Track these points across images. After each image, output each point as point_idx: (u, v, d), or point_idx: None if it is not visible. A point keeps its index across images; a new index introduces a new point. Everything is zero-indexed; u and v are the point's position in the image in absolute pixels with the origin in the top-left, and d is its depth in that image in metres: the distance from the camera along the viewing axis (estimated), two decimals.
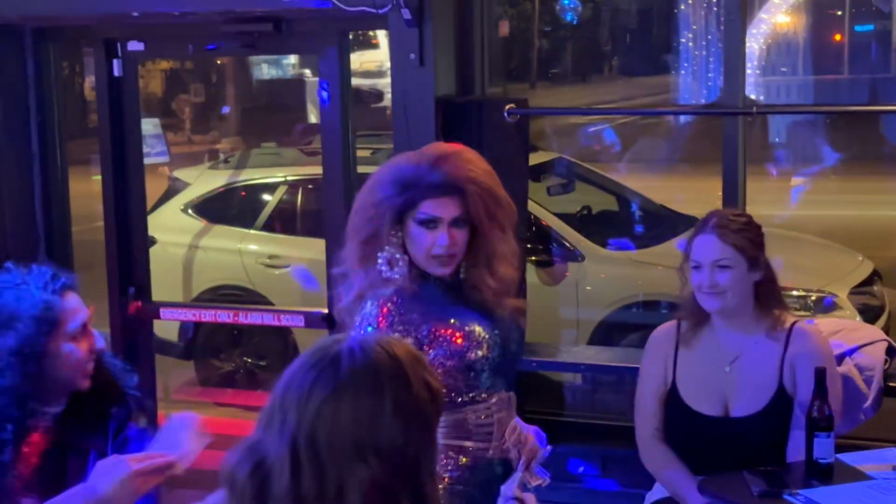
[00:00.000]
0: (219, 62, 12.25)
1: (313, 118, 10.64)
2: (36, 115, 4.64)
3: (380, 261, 2.60)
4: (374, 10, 4.00)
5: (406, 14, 3.93)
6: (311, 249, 6.91)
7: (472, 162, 2.64)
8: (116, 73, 4.54)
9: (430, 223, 2.57)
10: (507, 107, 4.11)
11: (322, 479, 1.39)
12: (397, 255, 2.60)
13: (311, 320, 4.57)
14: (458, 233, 2.59)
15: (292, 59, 13.19)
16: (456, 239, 2.58)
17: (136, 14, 4.32)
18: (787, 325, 3.19)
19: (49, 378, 2.37)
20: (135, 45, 4.51)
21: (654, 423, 3.23)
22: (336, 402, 1.41)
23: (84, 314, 2.46)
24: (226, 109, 12.01)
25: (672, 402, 3.21)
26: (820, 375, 2.93)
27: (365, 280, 2.60)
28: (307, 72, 12.58)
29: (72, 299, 2.47)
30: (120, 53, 4.53)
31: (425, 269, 2.60)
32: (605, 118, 12.27)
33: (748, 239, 3.17)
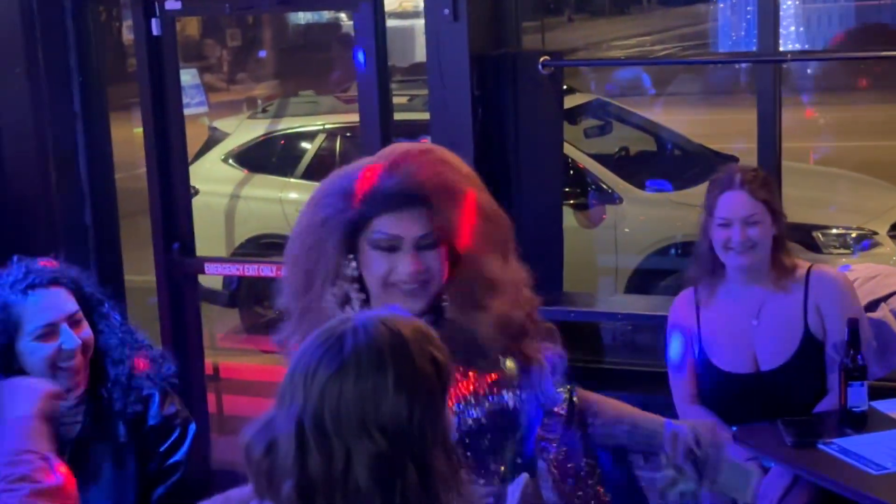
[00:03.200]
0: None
1: (352, 65, 10.67)
2: (77, 69, 4.70)
3: (328, 298, 2.01)
4: None
5: None
6: None
7: (443, 163, 2.04)
8: (155, 31, 4.58)
9: (388, 245, 1.99)
10: (542, 59, 4.12)
11: (328, 456, 1.44)
12: (351, 293, 2.02)
13: None
14: (427, 256, 2.00)
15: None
16: (425, 264, 1.99)
17: None
18: (804, 270, 3.23)
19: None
20: (172, 4, 4.54)
21: (689, 389, 3.28)
22: (340, 380, 1.45)
23: (57, 313, 2.46)
24: (262, 53, 12.03)
25: (703, 365, 3.26)
26: (853, 325, 2.98)
27: (307, 323, 1.97)
28: (343, 16, 12.55)
29: (43, 296, 2.47)
30: (157, 13, 4.57)
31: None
32: (642, 55, 12.19)
33: (772, 191, 3.21)
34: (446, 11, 4.02)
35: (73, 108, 4.80)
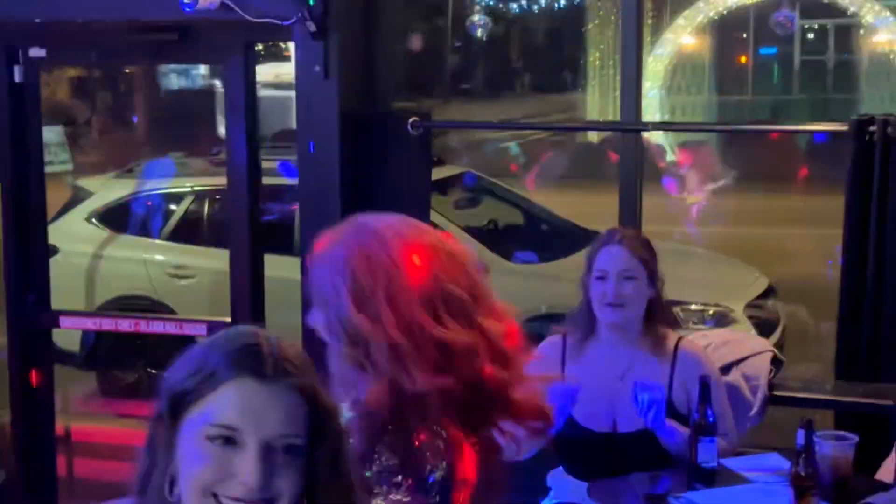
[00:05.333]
0: (127, 71, 12.12)
1: (222, 129, 10.61)
2: None
3: None
4: (278, 22, 4.03)
5: (311, 26, 3.96)
6: (218, 260, 6.88)
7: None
8: (17, 79, 4.49)
9: None
10: (411, 119, 4.17)
11: None
12: None
13: (215, 329, 4.56)
14: None
15: (202, 69, 13.11)
16: None
17: (38, 20, 4.28)
18: (673, 343, 3.28)
19: None
20: (36, 52, 4.47)
21: None
22: None
23: None
24: (134, 119, 11.89)
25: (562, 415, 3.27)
26: (704, 381, 3.04)
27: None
28: (217, 83, 12.51)
29: None
30: (21, 59, 4.48)
31: None
32: (514, 133, 12.41)
33: (651, 253, 3.27)
34: (317, 68, 4.05)
35: None
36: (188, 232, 7.23)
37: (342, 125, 4.12)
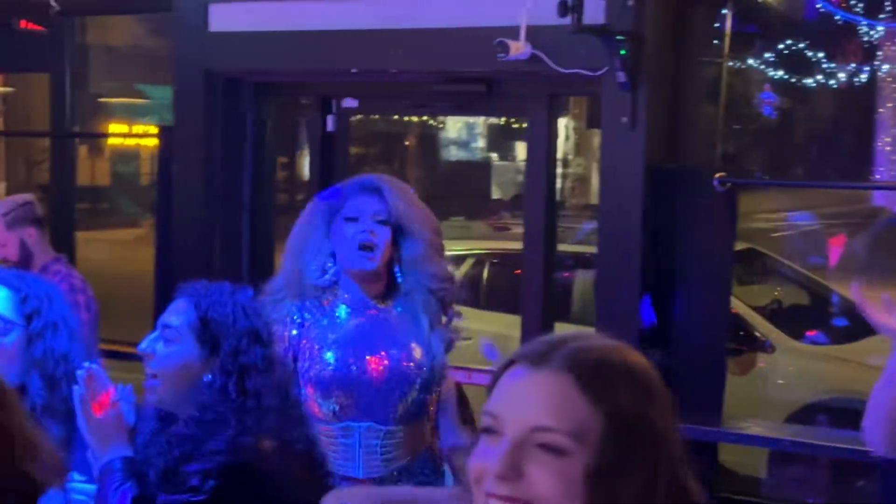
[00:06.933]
0: (407, 143, 12.57)
1: (497, 195, 10.84)
2: (250, 164, 4.81)
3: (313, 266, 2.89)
4: (589, 73, 4.01)
5: (621, 77, 3.93)
6: (494, 323, 6.89)
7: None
8: (329, 128, 4.68)
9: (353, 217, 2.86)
10: (717, 175, 4.04)
11: None
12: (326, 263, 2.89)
13: None
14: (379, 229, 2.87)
15: (480, 142, 13.42)
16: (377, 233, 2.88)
17: (354, 70, 4.45)
18: None
19: None
20: (349, 102, 4.64)
21: None
22: None
23: None
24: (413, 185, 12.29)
25: None
26: None
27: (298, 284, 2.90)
28: (494, 155, 12.77)
29: None
30: (334, 110, 4.67)
31: None
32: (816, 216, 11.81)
33: None
34: (624, 119, 3.99)
35: (242, 199, 4.90)
36: (467, 294, 7.29)
37: (646, 177, 4.04)
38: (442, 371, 2.83)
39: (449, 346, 2.86)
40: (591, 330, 1.39)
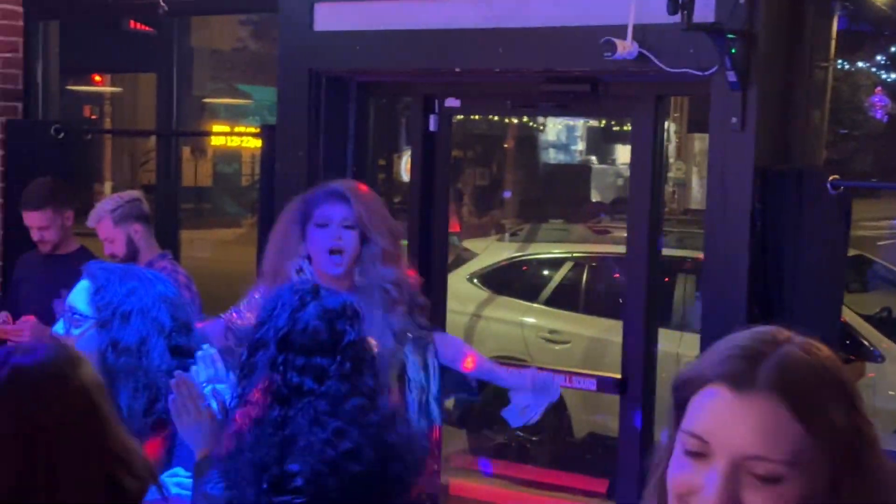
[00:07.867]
0: (506, 146, 12.54)
1: (596, 198, 10.73)
2: (352, 157, 4.82)
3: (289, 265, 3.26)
4: (698, 73, 3.92)
5: (731, 76, 3.83)
6: (592, 327, 6.82)
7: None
8: (432, 128, 4.66)
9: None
10: (831, 178, 3.91)
11: None
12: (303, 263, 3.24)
13: (604, 385, 4.46)
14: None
15: (580, 145, 13.31)
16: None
17: (457, 69, 4.43)
18: None
19: None
20: (451, 102, 4.62)
21: None
22: None
23: None
24: (510, 189, 12.26)
25: None
26: None
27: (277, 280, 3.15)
28: (593, 158, 12.65)
29: None
30: (437, 109, 4.65)
31: None
32: None
33: None
34: (734, 120, 3.89)
35: None
36: (565, 298, 7.23)
37: (755, 179, 3.93)
38: (390, 359, 3.15)
39: (401, 338, 3.21)
40: (741, 332, 1.32)
